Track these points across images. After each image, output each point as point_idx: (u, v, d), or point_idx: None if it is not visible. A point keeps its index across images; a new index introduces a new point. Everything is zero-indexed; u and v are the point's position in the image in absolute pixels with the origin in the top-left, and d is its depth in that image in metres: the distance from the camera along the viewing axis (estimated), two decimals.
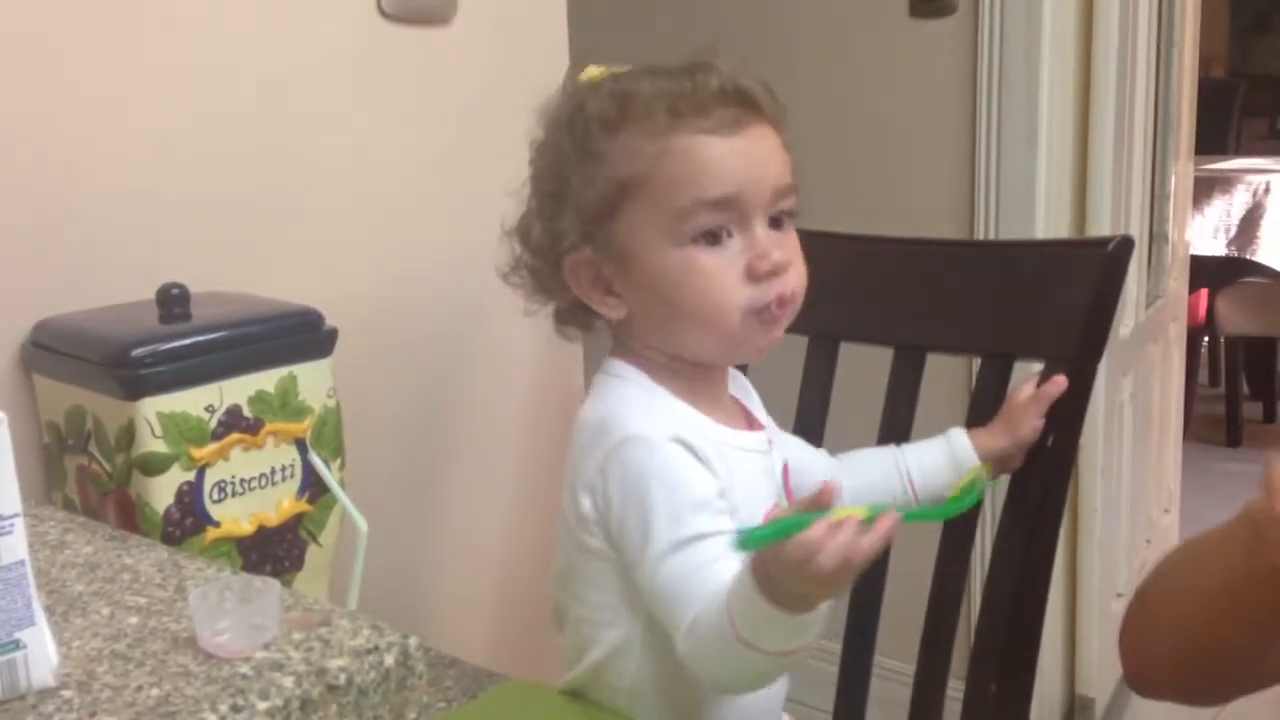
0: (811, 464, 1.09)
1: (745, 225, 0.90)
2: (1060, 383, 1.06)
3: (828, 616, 0.81)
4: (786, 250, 0.91)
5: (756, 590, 0.78)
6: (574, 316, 0.98)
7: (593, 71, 0.95)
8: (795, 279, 0.92)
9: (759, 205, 0.90)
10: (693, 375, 0.96)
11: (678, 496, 0.87)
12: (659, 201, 0.89)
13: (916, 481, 1.08)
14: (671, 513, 0.87)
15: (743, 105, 0.90)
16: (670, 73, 0.91)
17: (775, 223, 0.92)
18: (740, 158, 0.89)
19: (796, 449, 1.10)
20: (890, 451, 1.10)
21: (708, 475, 0.89)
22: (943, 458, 1.08)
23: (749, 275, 0.89)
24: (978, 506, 1.09)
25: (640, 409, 0.92)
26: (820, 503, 0.75)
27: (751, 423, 1.02)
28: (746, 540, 0.76)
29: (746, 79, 0.92)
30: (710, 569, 0.85)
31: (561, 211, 0.93)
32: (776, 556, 0.75)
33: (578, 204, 0.92)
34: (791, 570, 0.75)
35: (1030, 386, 1.08)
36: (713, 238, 0.89)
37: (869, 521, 0.74)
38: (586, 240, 0.92)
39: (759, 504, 0.93)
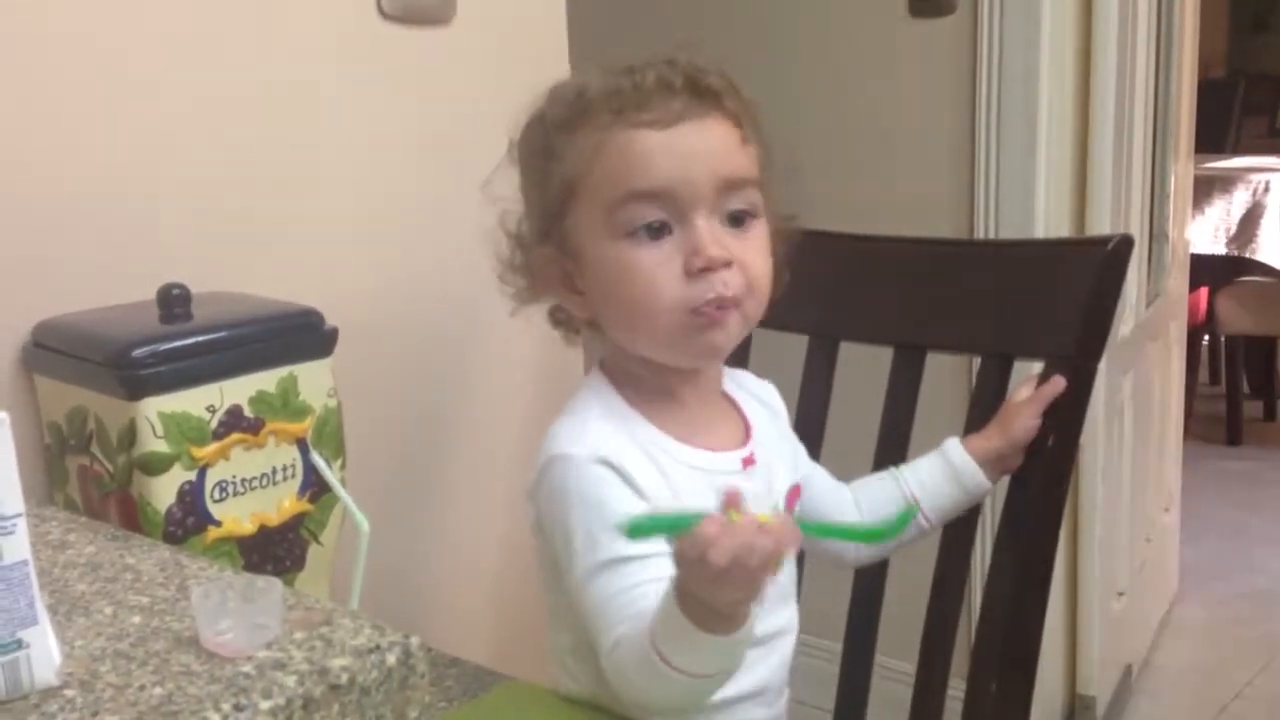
0: (820, 491, 1.09)
1: (684, 219, 0.87)
2: (1059, 383, 1.06)
3: (745, 645, 0.80)
4: (734, 248, 0.88)
5: (676, 605, 0.77)
6: (564, 316, 0.98)
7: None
8: (740, 279, 0.88)
9: (699, 199, 0.87)
10: (663, 381, 0.94)
11: (597, 519, 0.86)
12: (596, 196, 0.88)
13: (922, 501, 1.07)
14: (591, 536, 0.86)
15: (694, 96, 0.88)
16: (624, 68, 0.90)
17: (736, 221, 0.89)
18: (674, 150, 0.87)
19: (816, 477, 1.09)
20: (891, 475, 1.10)
21: (631, 498, 0.87)
22: (941, 472, 1.08)
23: (685, 271, 0.87)
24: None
25: (576, 425, 0.91)
26: (724, 504, 0.73)
27: (748, 437, 0.99)
28: (634, 527, 0.75)
29: (704, 71, 0.89)
30: (635, 592, 0.84)
31: (530, 210, 0.94)
32: (675, 553, 0.74)
33: (538, 203, 0.93)
34: (686, 567, 0.74)
35: (1029, 387, 1.08)
36: (652, 232, 0.87)
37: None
38: (547, 238, 0.92)
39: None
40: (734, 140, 0.89)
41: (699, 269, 0.86)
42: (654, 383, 0.94)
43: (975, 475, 1.07)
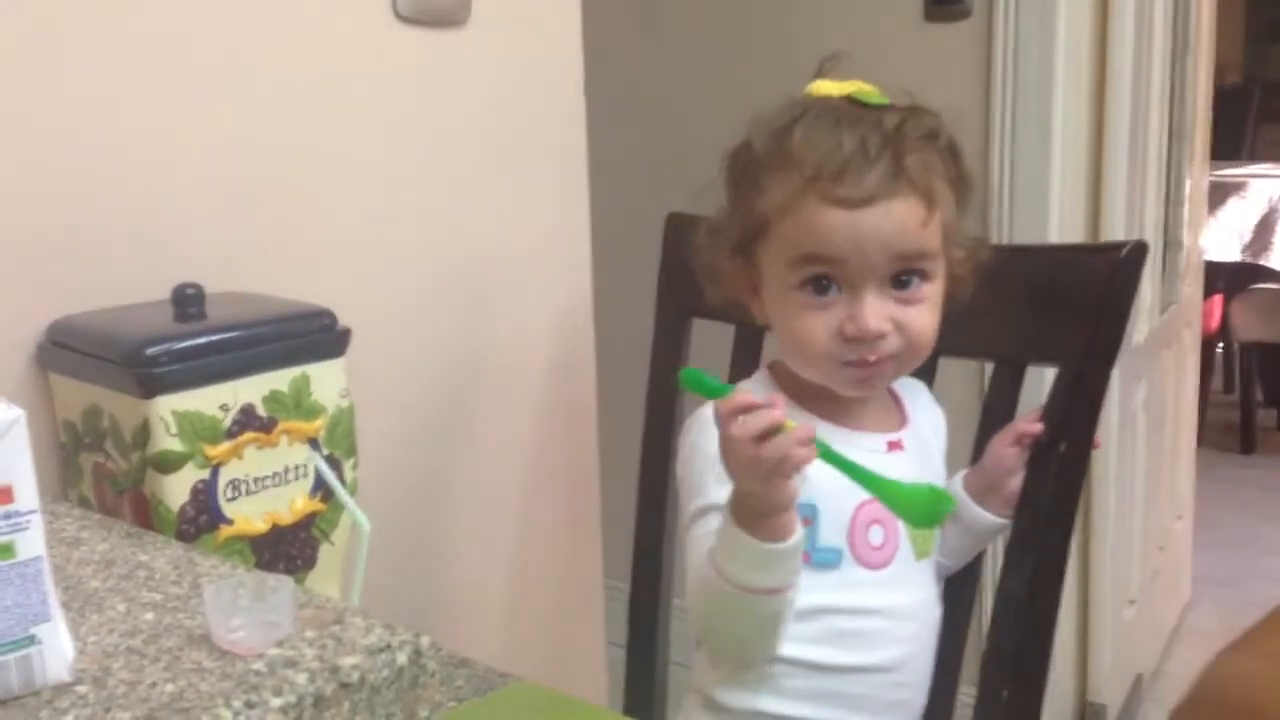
0: None
1: (852, 287, 0.94)
2: (1036, 427, 1.08)
3: (791, 562, 0.88)
4: (897, 314, 0.94)
5: (729, 513, 0.87)
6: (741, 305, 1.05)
7: (822, 86, 0.99)
8: (895, 342, 0.95)
9: (870, 272, 0.93)
10: (821, 385, 1.00)
11: (707, 468, 0.94)
12: (779, 248, 0.96)
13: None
14: (698, 484, 0.96)
15: (888, 172, 0.92)
16: (835, 120, 0.94)
17: (902, 282, 0.94)
18: (856, 231, 0.92)
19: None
20: None
21: None
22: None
23: (840, 333, 0.94)
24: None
25: None
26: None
27: (903, 422, 1.05)
28: (686, 375, 0.90)
29: (907, 142, 0.93)
30: None
31: (731, 221, 1.02)
32: (716, 410, 0.85)
33: (739, 221, 1.00)
34: (722, 427, 0.85)
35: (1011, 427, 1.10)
36: (820, 286, 0.94)
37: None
38: (739, 252, 1.01)
39: (848, 496, 0.95)
40: (916, 219, 0.93)
41: (851, 337, 0.94)
42: (813, 385, 1.01)
43: (969, 508, 1.09)
